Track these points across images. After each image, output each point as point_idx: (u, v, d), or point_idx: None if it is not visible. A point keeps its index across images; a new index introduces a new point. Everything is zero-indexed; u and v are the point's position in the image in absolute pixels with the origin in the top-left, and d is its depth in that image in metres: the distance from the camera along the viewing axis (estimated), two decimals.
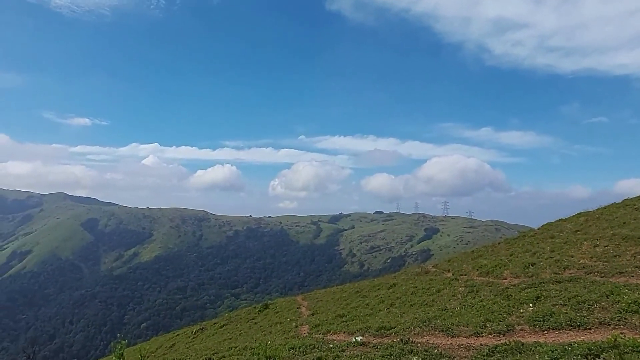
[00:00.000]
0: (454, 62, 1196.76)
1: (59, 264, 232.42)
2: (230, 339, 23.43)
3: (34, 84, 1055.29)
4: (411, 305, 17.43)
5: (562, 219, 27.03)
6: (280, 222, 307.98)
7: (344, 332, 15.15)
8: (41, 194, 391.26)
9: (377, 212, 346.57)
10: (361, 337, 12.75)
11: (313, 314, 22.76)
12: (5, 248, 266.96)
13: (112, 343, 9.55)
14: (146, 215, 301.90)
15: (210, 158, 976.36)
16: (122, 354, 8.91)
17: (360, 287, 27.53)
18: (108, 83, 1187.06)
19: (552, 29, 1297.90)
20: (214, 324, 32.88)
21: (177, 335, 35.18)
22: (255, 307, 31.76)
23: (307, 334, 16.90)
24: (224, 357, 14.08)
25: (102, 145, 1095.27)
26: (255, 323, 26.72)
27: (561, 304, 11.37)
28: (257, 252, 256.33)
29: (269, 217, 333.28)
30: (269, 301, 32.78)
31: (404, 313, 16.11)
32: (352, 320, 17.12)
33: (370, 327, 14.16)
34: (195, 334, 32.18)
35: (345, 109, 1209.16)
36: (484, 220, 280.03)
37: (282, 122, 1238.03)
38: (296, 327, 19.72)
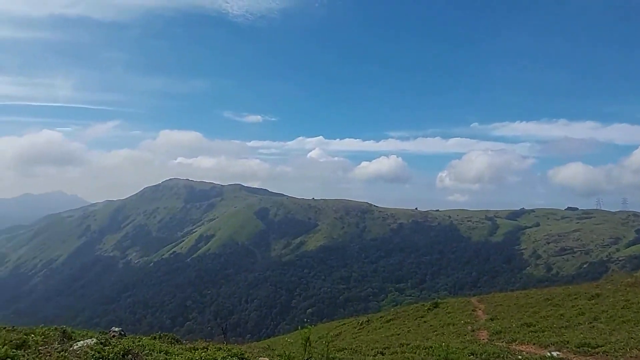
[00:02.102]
0: None
1: (236, 248, 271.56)
2: (399, 334, 24.03)
3: (216, 87, 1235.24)
4: (623, 321, 15.41)
5: None
6: (450, 217, 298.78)
7: (534, 344, 14.08)
8: (221, 185, 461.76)
9: (569, 209, 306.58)
10: (558, 353, 11.67)
11: (492, 319, 21.72)
12: (195, 232, 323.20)
13: (299, 327, 10.83)
14: (312, 206, 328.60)
15: (374, 149, 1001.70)
16: (309, 338, 10.03)
17: (550, 294, 25.33)
18: (276, 81, 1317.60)
19: None
20: (380, 317, 34.14)
21: (343, 324, 37.61)
22: (424, 305, 31.87)
23: (487, 340, 16.23)
24: (396, 353, 14.49)
25: (272, 140, 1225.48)
26: (425, 321, 26.88)
27: None
28: (424, 247, 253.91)
29: (437, 210, 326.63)
30: (439, 300, 32.53)
31: (613, 330, 14.25)
32: (543, 332, 15.84)
33: (568, 342, 12.88)
34: (361, 325, 33.92)
35: (528, 91, 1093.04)
36: None
37: (451, 110, 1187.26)
38: (473, 331, 19.12)
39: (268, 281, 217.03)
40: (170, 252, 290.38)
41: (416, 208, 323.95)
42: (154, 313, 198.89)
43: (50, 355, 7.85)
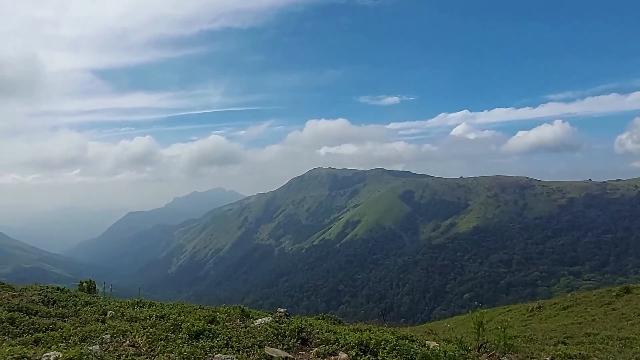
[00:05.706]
0: None
1: (383, 233, 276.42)
2: (580, 323, 22.11)
3: (349, 74, 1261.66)
4: None
5: None
6: (637, 186, 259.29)
7: None
8: (364, 171, 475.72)
9: None
10: None
11: None
12: (341, 218, 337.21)
13: (469, 311, 10.59)
14: (460, 185, 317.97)
15: (530, 117, 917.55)
16: (482, 322, 9.71)
17: None
18: (411, 59, 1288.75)
19: None
20: (554, 304, 31.73)
21: (509, 310, 35.81)
22: (610, 290, 28.74)
23: None
24: (582, 343, 13.22)
25: (411, 120, 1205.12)
26: (613, 309, 24.36)
27: None
28: (603, 224, 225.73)
29: (618, 180, 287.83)
30: (631, 285, 28.98)
31: None
32: None
33: None
34: (531, 312, 31.91)
35: None
36: None
37: (630, 57, 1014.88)
38: None
39: (419, 265, 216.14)
40: (320, 238, 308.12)
41: (590, 179, 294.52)
42: (309, 297, 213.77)
43: (236, 330, 9.17)
